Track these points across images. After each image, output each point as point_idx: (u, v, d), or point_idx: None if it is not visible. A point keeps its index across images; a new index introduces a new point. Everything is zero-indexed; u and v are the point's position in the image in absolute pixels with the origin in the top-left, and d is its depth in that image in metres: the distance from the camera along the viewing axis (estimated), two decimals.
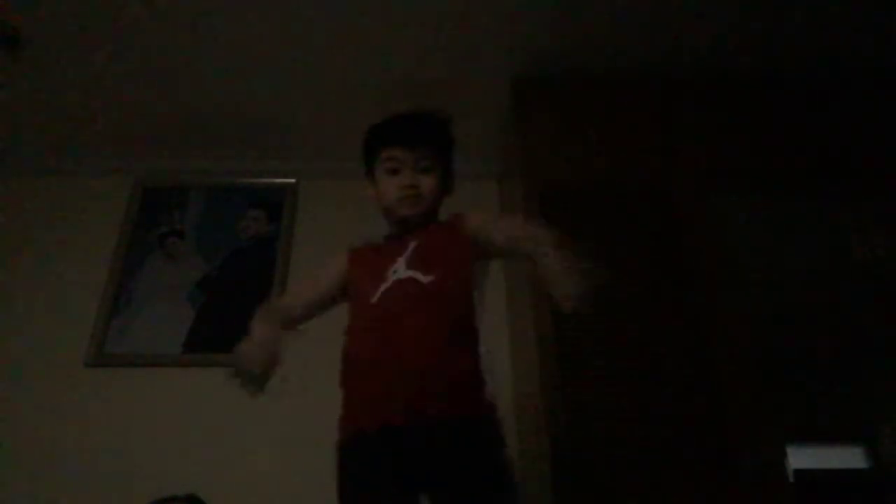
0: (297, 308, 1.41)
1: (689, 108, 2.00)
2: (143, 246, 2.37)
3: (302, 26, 1.95)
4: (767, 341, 1.67)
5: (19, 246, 2.36)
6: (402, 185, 1.32)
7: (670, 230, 1.81)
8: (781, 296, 1.72)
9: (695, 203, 1.83)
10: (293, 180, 2.50)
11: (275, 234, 2.39)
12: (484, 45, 2.01)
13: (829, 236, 1.80)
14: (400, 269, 1.25)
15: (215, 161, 2.49)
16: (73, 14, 1.89)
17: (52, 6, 1.87)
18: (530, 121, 2.01)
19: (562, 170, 1.90)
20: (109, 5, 1.87)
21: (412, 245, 1.29)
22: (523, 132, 2.02)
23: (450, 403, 1.12)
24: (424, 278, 1.22)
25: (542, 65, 2.05)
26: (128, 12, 1.90)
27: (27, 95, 2.18)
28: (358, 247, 1.40)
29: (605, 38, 1.98)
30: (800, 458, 1.54)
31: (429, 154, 1.35)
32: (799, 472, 1.53)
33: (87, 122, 2.31)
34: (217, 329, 2.21)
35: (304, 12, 1.90)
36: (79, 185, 2.47)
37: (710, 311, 1.69)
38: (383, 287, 1.23)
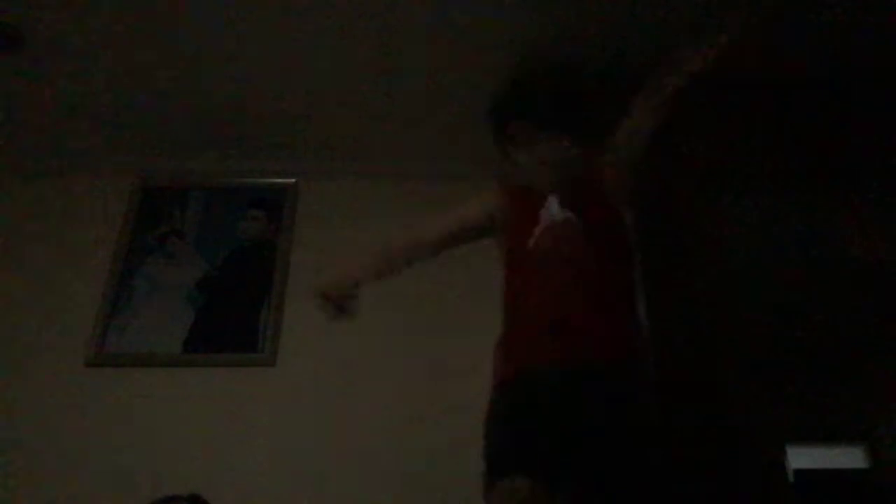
0: (431, 240, 1.43)
1: (689, 108, 1.99)
2: (143, 246, 2.37)
3: (302, 26, 1.95)
4: (767, 341, 1.66)
5: (19, 246, 2.36)
6: (543, 153, 1.37)
7: (670, 230, 1.81)
8: (781, 295, 1.72)
9: (695, 203, 1.83)
10: (293, 180, 2.50)
11: (275, 235, 2.39)
12: (484, 45, 2.01)
13: (829, 236, 1.80)
14: (553, 210, 1.27)
15: (215, 161, 2.49)
16: (73, 14, 1.89)
17: (52, 6, 1.87)
18: None
19: None
20: (109, 5, 1.87)
21: (560, 188, 1.31)
22: None
23: (612, 351, 1.15)
24: (580, 220, 1.25)
25: (541, 65, 2.05)
26: (128, 12, 1.90)
27: (27, 95, 2.18)
28: (509, 187, 1.42)
29: (606, 38, 1.98)
30: (800, 458, 1.54)
31: (574, 131, 1.41)
32: (799, 472, 1.52)
33: (87, 122, 2.31)
34: (217, 329, 2.21)
35: (303, 12, 1.90)
36: (79, 184, 2.47)
37: (711, 311, 1.69)
38: (538, 230, 1.25)
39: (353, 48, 2.02)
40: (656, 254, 1.77)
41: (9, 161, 2.45)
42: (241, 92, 2.19)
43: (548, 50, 2.01)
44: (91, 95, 2.19)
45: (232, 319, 2.23)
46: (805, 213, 1.85)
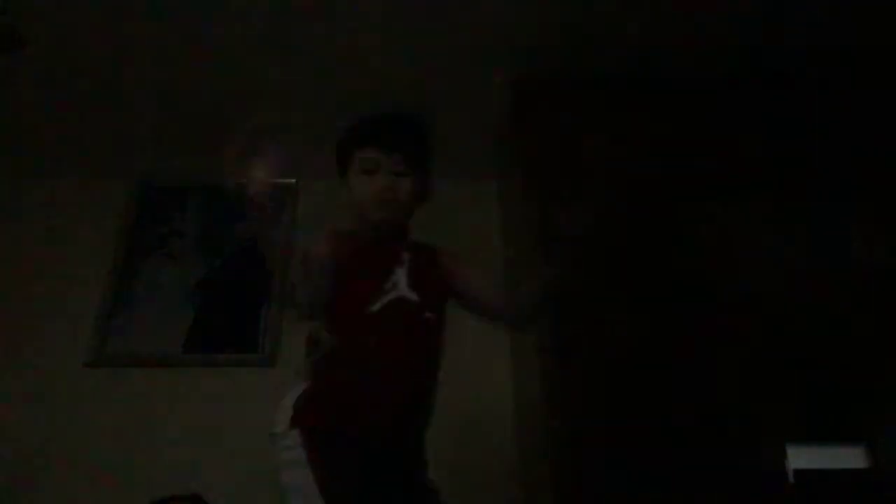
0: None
1: (690, 110, 2.00)
2: (144, 246, 2.37)
3: (301, 26, 1.94)
4: (767, 341, 1.67)
5: (19, 246, 2.36)
6: (378, 187, 1.29)
7: (671, 231, 1.81)
8: (781, 296, 1.72)
9: (695, 203, 1.83)
10: (293, 180, 2.50)
11: (275, 235, 2.38)
12: (484, 46, 2.01)
13: (829, 236, 1.80)
14: (401, 284, 1.24)
15: (215, 161, 2.48)
16: (73, 14, 1.89)
17: (52, 6, 1.87)
18: (530, 122, 2.01)
19: (561, 171, 1.90)
20: (110, 5, 1.87)
21: (407, 258, 1.28)
22: (523, 133, 2.02)
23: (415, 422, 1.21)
24: (424, 308, 1.24)
25: (542, 65, 2.05)
26: (128, 13, 1.90)
27: (27, 95, 2.18)
28: (338, 234, 1.34)
29: (606, 40, 1.98)
30: (800, 458, 1.53)
31: (406, 158, 1.31)
32: (799, 472, 1.52)
33: (87, 122, 2.31)
34: (217, 329, 2.22)
35: (303, 13, 1.90)
36: (79, 185, 2.47)
37: (711, 312, 1.69)
38: (385, 299, 1.21)
39: (353, 49, 2.02)
40: (656, 254, 1.77)
41: (9, 161, 2.45)
42: (241, 92, 2.19)
43: (548, 53, 2.01)
44: (91, 95, 2.19)
45: (232, 319, 2.23)
46: (805, 213, 1.85)
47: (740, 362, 1.64)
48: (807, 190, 1.87)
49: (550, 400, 1.62)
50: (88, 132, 2.36)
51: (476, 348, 1.98)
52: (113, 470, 1.96)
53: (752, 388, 1.61)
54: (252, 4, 1.88)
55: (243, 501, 1.90)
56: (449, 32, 1.96)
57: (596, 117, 1.99)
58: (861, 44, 1.99)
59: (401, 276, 1.25)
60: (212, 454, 2.00)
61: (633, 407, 1.58)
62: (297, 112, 2.29)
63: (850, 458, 1.55)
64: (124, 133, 2.38)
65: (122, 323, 2.21)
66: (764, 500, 1.50)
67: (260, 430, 2.03)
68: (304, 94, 2.21)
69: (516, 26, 1.95)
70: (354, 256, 1.29)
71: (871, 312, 1.71)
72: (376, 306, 1.21)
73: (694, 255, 1.77)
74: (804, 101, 2.02)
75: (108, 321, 2.21)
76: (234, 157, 1.16)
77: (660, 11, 1.89)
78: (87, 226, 2.40)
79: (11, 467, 1.97)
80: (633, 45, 1.99)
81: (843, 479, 1.53)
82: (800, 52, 2.00)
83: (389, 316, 1.21)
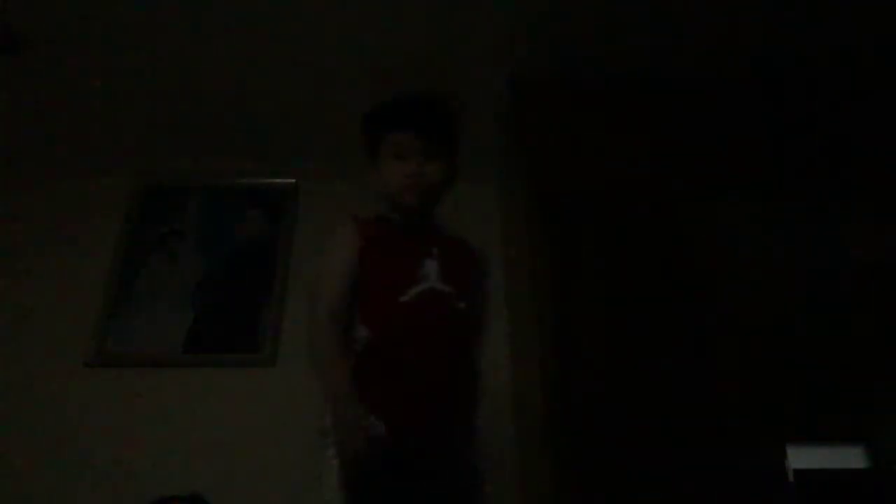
0: (344, 313, 1.24)
1: (690, 111, 2.00)
2: (144, 246, 2.37)
3: (301, 26, 1.94)
4: (767, 341, 1.67)
5: (20, 246, 2.36)
6: (408, 171, 1.27)
7: (671, 231, 1.81)
8: (781, 296, 1.72)
9: (695, 203, 1.83)
10: (293, 180, 2.50)
11: (275, 235, 2.39)
12: (484, 47, 2.01)
13: (829, 237, 1.81)
14: (432, 275, 1.22)
15: (215, 161, 2.49)
16: (74, 14, 1.89)
17: (52, 6, 1.87)
18: (530, 123, 2.01)
19: (561, 172, 1.90)
20: (110, 5, 1.87)
21: (436, 251, 1.26)
22: (523, 134, 2.02)
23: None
24: (455, 299, 1.22)
25: (541, 67, 2.05)
26: (128, 12, 1.89)
27: (27, 96, 2.18)
28: (366, 221, 1.30)
29: (606, 41, 1.98)
30: (800, 458, 1.54)
31: (436, 141, 1.30)
32: (799, 472, 1.52)
33: (88, 122, 2.31)
34: (217, 329, 2.22)
35: (303, 13, 1.90)
36: (79, 184, 2.48)
37: (711, 312, 1.69)
38: (416, 289, 1.20)
39: (353, 49, 2.02)
40: (657, 255, 1.77)
41: (8, 161, 2.45)
42: (241, 92, 2.19)
43: (548, 54, 2.01)
44: (91, 95, 2.19)
45: (232, 319, 2.23)
46: (805, 213, 1.85)
47: (740, 362, 1.64)
48: (807, 190, 1.87)
49: (550, 400, 1.62)
50: (88, 132, 2.35)
51: None
52: (113, 470, 1.96)
53: (752, 388, 1.61)
54: (252, 4, 1.88)
55: (243, 501, 1.91)
56: (449, 32, 1.96)
57: (596, 117, 1.99)
58: (861, 44, 1.99)
59: (432, 267, 1.23)
60: (212, 454, 2.00)
61: (632, 407, 1.58)
62: (297, 112, 2.29)
63: (850, 458, 1.55)
64: (124, 133, 2.38)
65: (122, 323, 2.21)
66: (764, 500, 1.51)
67: (260, 430, 2.05)
68: (303, 95, 2.21)
69: (516, 26, 1.94)
70: (385, 245, 1.26)
71: (871, 312, 1.71)
72: (409, 296, 1.19)
73: (694, 255, 1.77)
74: (804, 101, 2.02)
75: (108, 321, 2.21)
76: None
77: (660, 11, 1.89)
78: (87, 226, 2.40)
79: (11, 467, 1.97)
80: (632, 45, 1.99)
81: (843, 479, 1.53)
82: (799, 53, 2.00)
83: (422, 307, 1.19)
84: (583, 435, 1.56)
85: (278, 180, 2.50)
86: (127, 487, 1.91)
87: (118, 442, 2.01)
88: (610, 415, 1.58)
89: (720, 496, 1.48)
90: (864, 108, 2.00)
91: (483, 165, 2.43)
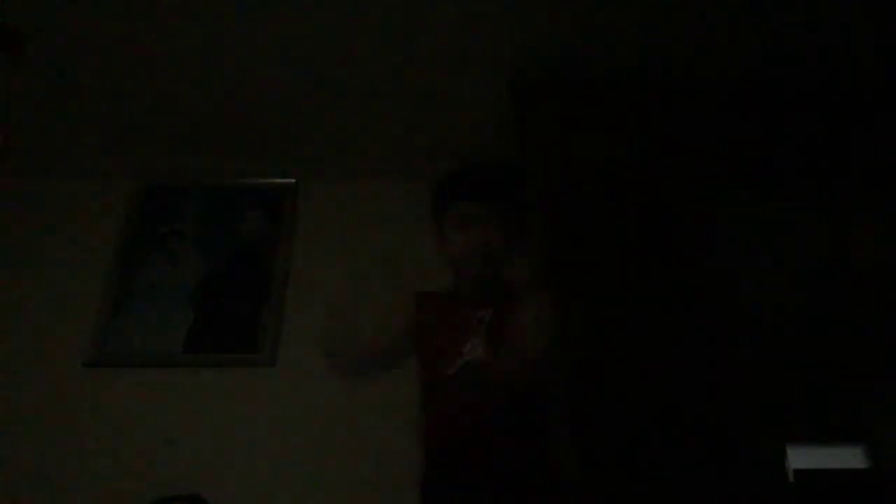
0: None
1: (690, 109, 2.00)
2: (144, 246, 2.37)
3: (301, 27, 1.94)
4: (767, 341, 1.67)
5: (19, 246, 2.36)
6: (473, 241, 1.29)
7: (671, 231, 1.81)
8: (781, 296, 1.72)
9: (695, 203, 1.84)
10: (293, 180, 2.50)
11: (275, 235, 2.39)
12: (484, 46, 2.01)
13: (829, 236, 1.81)
14: (477, 346, 1.21)
15: (215, 161, 2.49)
16: (74, 14, 1.89)
17: (51, 6, 1.87)
18: (530, 122, 2.01)
19: (561, 171, 1.90)
20: (110, 5, 1.87)
21: (489, 316, 1.25)
22: (523, 133, 2.02)
23: None
24: (502, 367, 1.21)
25: (541, 66, 2.05)
26: (129, 12, 1.90)
27: (27, 95, 2.18)
28: (428, 293, 1.35)
29: (606, 40, 1.98)
30: (800, 458, 1.53)
31: (501, 209, 1.32)
32: (799, 472, 1.52)
33: (87, 122, 2.31)
34: (217, 329, 2.21)
35: (303, 13, 1.90)
36: (79, 185, 2.48)
37: (711, 312, 1.69)
38: (460, 362, 1.20)
39: (353, 49, 2.02)
40: (657, 255, 1.77)
41: (9, 161, 2.45)
42: (241, 92, 2.19)
43: (548, 53, 2.01)
44: (91, 95, 2.19)
45: (232, 319, 2.23)
46: (805, 213, 1.85)
47: (740, 362, 1.64)
48: (807, 190, 1.87)
49: (549, 400, 1.62)
50: (89, 132, 2.36)
51: None
52: (113, 470, 1.96)
53: (752, 388, 1.61)
54: (252, 5, 1.88)
55: (243, 501, 1.91)
56: (449, 32, 1.96)
57: (596, 117, 1.99)
58: (861, 44, 1.99)
59: (479, 339, 1.22)
60: (212, 454, 2.00)
61: (632, 407, 1.58)
62: (297, 112, 2.29)
63: (850, 458, 1.55)
64: (125, 133, 2.38)
65: (122, 323, 2.21)
66: (764, 500, 1.50)
67: (260, 430, 2.05)
68: (303, 95, 2.21)
69: (516, 26, 1.94)
70: (439, 319, 1.29)
71: (871, 312, 1.71)
72: (453, 370, 1.20)
73: (694, 255, 1.77)
74: (804, 100, 2.02)
75: (108, 321, 2.21)
76: None
77: (660, 11, 1.89)
78: (87, 226, 2.40)
79: (11, 467, 1.97)
80: (632, 45, 1.99)
81: (843, 479, 1.53)
82: (799, 52, 2.00)
83: (465, 380, 1.19)
84: (582, 434, 1.55)
85: (278, 180, 2.50)
86: (127, 487, 1.91)
87: (118, 442, 2.01)
88: (609, 415, 1.58)
89: (720, 496, 1.48)
90: (864, 108, 2.00)
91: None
